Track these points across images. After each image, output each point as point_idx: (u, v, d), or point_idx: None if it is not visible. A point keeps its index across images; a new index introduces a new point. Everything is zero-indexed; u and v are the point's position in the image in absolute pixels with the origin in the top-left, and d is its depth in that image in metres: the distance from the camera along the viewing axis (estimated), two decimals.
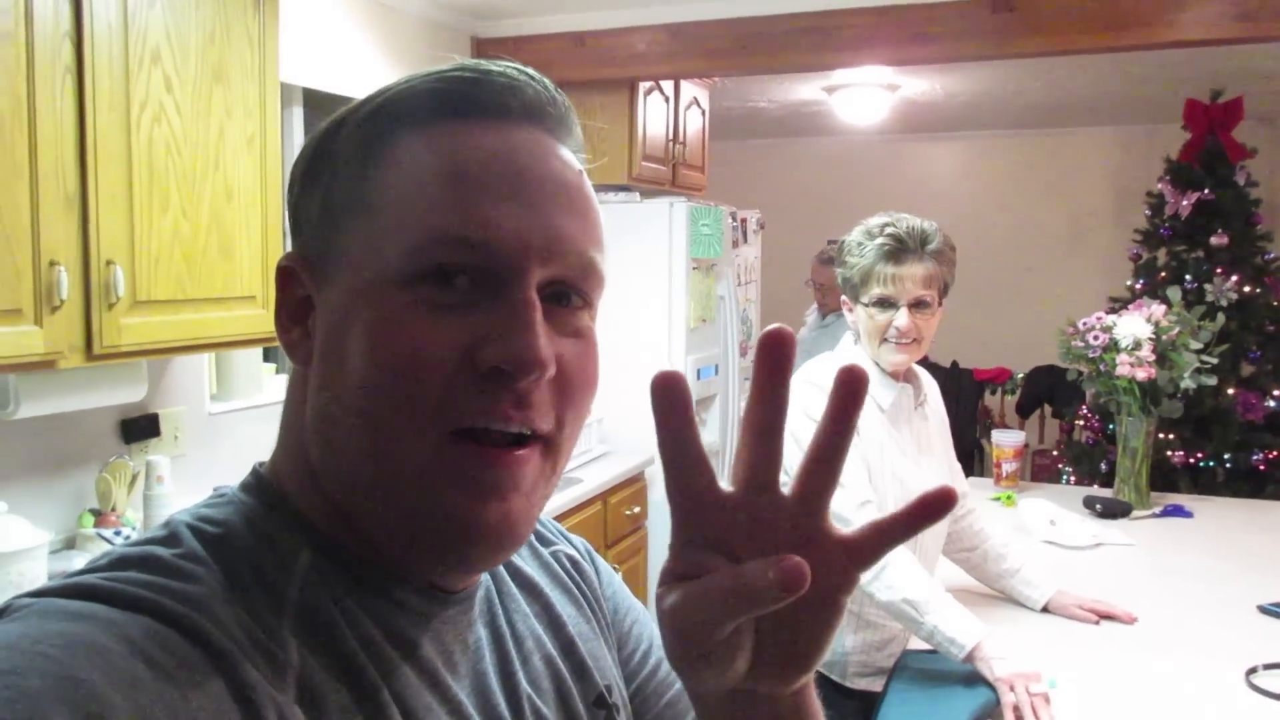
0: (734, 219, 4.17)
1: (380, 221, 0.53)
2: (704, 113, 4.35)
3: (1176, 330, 2.67)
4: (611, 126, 3.68)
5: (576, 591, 0.72)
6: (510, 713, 0.60)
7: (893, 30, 3.12)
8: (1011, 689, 1.55)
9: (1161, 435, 4.24)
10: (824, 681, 1.89)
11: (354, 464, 0.53)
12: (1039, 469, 5.41)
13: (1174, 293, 2.83)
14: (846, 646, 1.89)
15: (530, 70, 0.57)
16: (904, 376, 1.93)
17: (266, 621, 0.50)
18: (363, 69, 3.02)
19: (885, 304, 1.83)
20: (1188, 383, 2.66)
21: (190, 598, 0.48)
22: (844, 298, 1.92)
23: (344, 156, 0.55)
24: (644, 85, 3.72)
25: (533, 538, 0.72)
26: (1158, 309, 2.70)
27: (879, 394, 1.88)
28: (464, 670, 0.59)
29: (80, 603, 0.46)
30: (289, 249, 0.59)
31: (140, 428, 2.34)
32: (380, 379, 0.51)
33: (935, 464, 1.97)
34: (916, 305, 1.82)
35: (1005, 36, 2.99)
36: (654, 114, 3.86)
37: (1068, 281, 5.93)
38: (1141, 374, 2.63)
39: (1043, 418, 5.99)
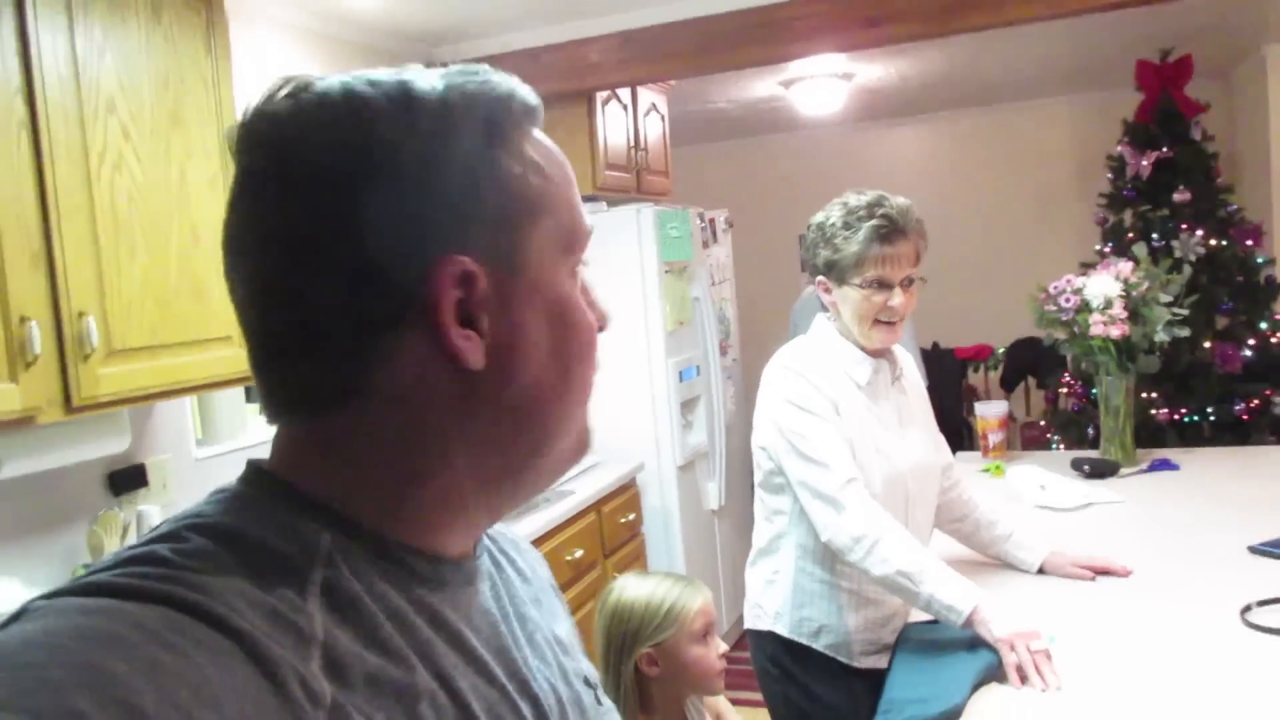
0: (702, 220, 4.19)
1: (549, 221, 0.60)
2: (663, 118, 4.38)
3: (1145, 285, 2.71)
4: (572, 139, 3.70)
5: (549, 586, 0.77)
6: (530, 676, 0.63)
7: (842, 17, 3.15)
8: (1013, 648, 1.57)
9: (1145, 394, 4.28)
10: (832, 663, 1.90)
11: (550, 429, 0.62)
12: (1028, 440, 5.44)
13: (1140, 249, 2.87)
14: (850, 626, 1.90)
15: None
16: (880, 352, 1.95)
17: (289, 599, 0.51)
18: None
19: (882, 285, 1.84)
20: (1161, 336, 2.69)
21: (202, 585, 0.49)
22: (821, 278, 1.93)
23: (494, 157, 0.58)
24: (601, 95, 3.74)
25: (502, 535, 0.76)
26: (1125, 266, 2.73)
27: (856, 371, 1.90)
28: (485, 633, 0.62)
29: (95, 599, 0.47)
30: (444, 251, 0.56)
31: (128, 478, 2.33)
32: (582, 353, 0.62)
33: (919, 435, 1.99)
34: (906, 283, 1.85)
35: (951, 14, 3.03)
36: (613, 123, 3.88)
37: (1040, 253, 5.97)
38: (1115, 332, 2.66)
39: (1027, 390, 6.03)
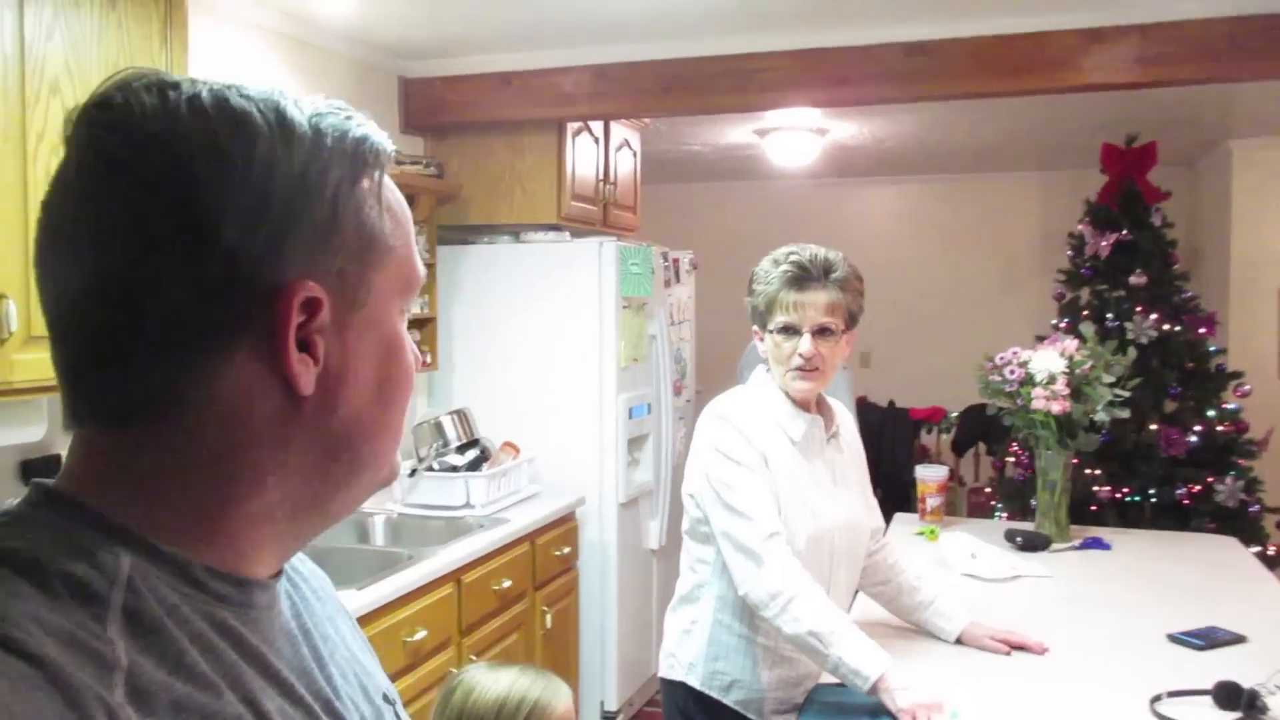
0: (666, 259, 4.19)
1: (394, 260, 0.62)
2: (635, 154, 4.39)
3: (1089, 364, 2.72)
4: (540, 166, 3.69)
5: (340, 606, 0.77)
6: (334, 695, 0.63)
7: (812, 73, 3.18)
8: (914, 719, 1.54)
9: (1088, 471, 4.30)
10: None
11: (369, 460, 0.62)
12: (974, 506, 5.46)
13: (1087, 328, 2.90)
14: (763, 683, 1.87)
15: None
16: (815, 408, 1.94)
17: (88, 626, 0.49)
18: None
19: (789, 331, 1.84)
20: (1101, 416, 2.71)
21: None
22: (754, 327, 1.93)
23: (359, 194, 0.59)
24: (573, 126, 3.74)
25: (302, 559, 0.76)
26: (1070, 343, 2.75)
27: (789, 425, 1.89)
28: (287, 655, 0.61)
29: None
30: (286, 276, 0.56)
31: (40, 469, 2.26)
32: (405, 389, 0.64)
33: (850, 497, 1.97)
34: (820, 333, 1.84)
35: (918, 80, 3.06)
36: (583, 154, 3.88)
37: (999, 321, 6.04)
38: (1056, 407, 2.67)
39: (977, 455, 6.06)
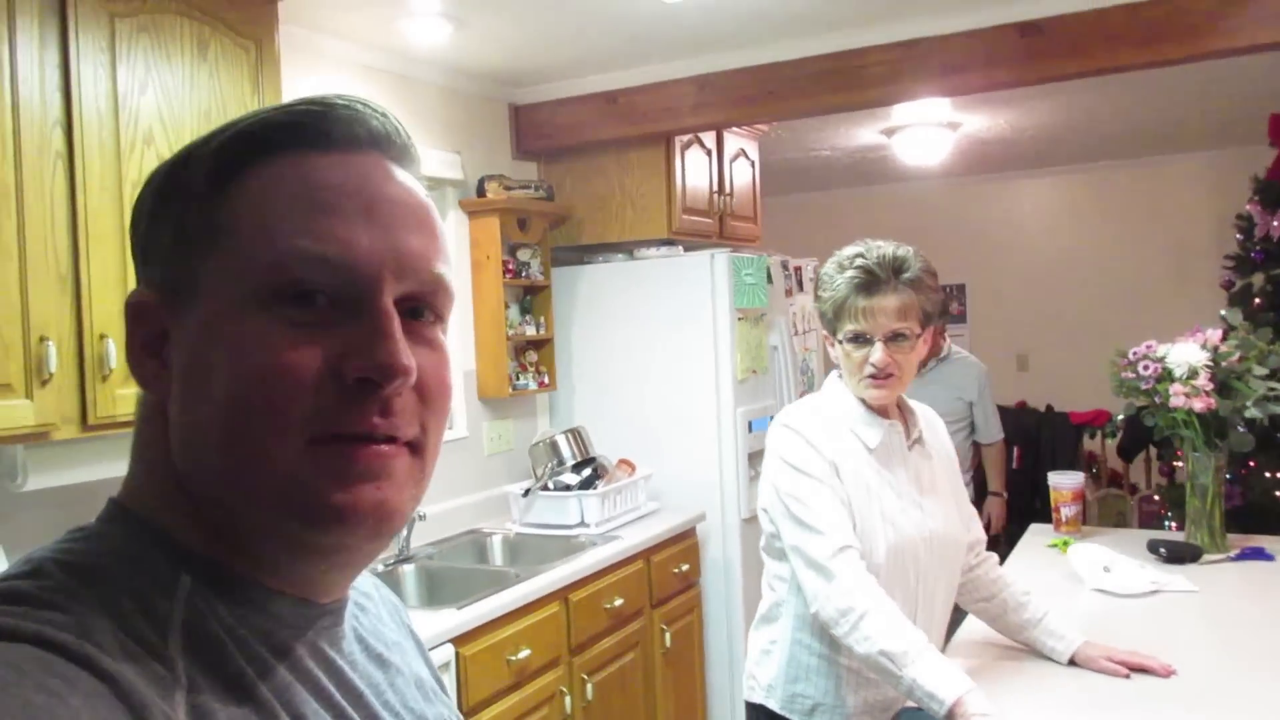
0: (786, 268, 4.09)
1: (238, 246, 0.56)
2: (753, 164, 4.31)
3: (1237, 356, 2.46)
4: (649, 182, 3.67)
5: (408, 630, 0.77)
6: None
7: (921, 64, 3.04)
8: None
9: (1269, 474, 3.90)
10: None
11: (225, 476, 0.56)
12: (1145, 515, 5.05)
13: (1234, 314, 2.62)
14: (849, 706, 1.77)
15: (374, 103, 0.61)
16: (894, 413, 1.83)
17: (151, 644, 0.50)
18: None
19: (860, 339, 1.74)
20: (1254, 412, 2.44)
21: (69, 625, 0.48)
22: (824, 332, 1.84)
23: (195, 186, 0.58)
24: (682, 140, 3.71)
25: (362, 579, 0.72)
26: (1214, 333, 2.49)
27: (865, 433, 1.78)
28: (344, 680, 0.61)
29: None
30: (138, 286, 0.62)
31: None
32: (248, 395, 0.54)
33: (940, 506, 1.84)
34: (893, 338, 1.72)
35: (1037, 60, 2.87)
36: (694, 167, 3.84)
37: (1167, 315, 5.56)
38: (1199, 405, 2.42)
39: (1148, 460, 5.61)
